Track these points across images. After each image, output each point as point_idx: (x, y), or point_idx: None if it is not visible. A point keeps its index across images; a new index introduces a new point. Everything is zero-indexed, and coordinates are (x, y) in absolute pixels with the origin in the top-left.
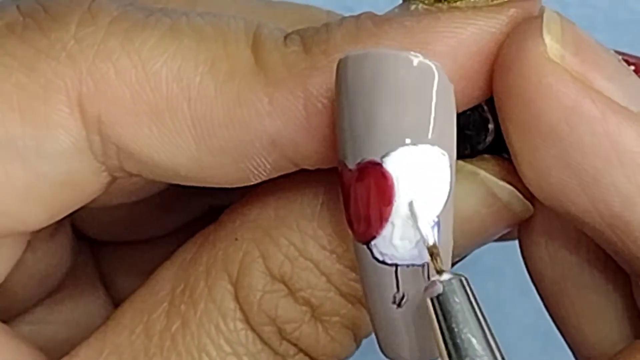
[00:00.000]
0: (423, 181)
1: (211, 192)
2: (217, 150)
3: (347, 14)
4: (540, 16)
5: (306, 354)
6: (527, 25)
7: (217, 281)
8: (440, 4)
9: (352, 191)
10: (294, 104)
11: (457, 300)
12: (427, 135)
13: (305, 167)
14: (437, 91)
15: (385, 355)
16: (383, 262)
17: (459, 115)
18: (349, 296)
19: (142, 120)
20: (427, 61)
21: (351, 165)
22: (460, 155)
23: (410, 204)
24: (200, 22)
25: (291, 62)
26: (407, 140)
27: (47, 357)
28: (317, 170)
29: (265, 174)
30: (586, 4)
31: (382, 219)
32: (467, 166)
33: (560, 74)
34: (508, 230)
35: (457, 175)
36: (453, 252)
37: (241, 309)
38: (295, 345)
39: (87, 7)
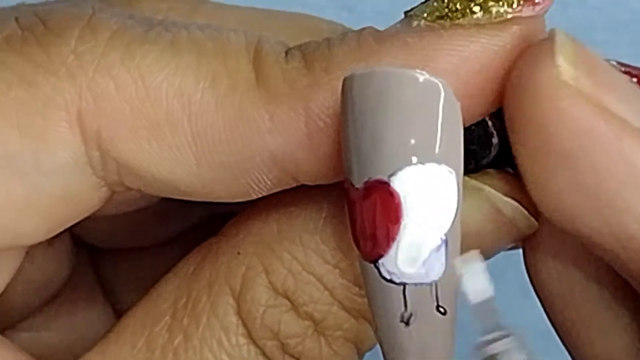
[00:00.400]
0: (430, 200)
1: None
2: (218, 165)
3: (347, 14)
4: (552, 38)
5: None
6: (539, 47)
7: (219, 295)
8: (442, 21)
9: (358, 210)
10: (295, 121)
11: None
12: (434, 154)
13: (306, 183)
14: (443, 108)
15: None
16: (390, 281)
17: (463, 131)
18: (352, 310)
19: (142, 135)
20: (433, 79)
21: (358, 183)
22: (465, 171)
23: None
24: (200, 37)
25: (292, 78)
26: (414, 159)
27: None
28: (320, 185)
29: (265, 189)
30: (586, 4)
31: (390, 238)
32: (472, 182)
33: (574, 96)
34: (512, 245)
35: (462, 191)
36: None
37: (244, 323)
38: (297, 359)
39: (87, 20)
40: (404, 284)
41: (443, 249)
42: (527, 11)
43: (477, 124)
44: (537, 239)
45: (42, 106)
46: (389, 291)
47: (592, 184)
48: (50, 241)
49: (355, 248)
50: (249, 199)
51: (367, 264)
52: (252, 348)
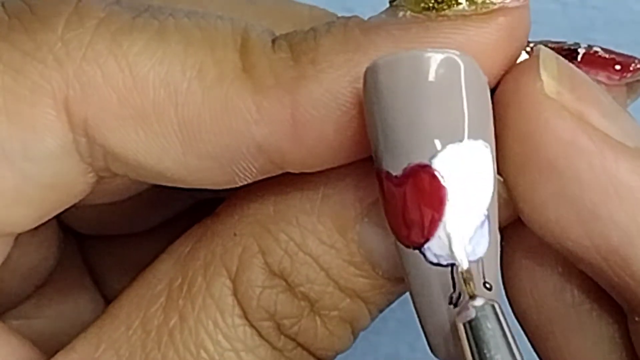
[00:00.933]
0: (471, 177)
1: None
2: (204, 154)
3: (346, 14)
4: (536, 54)
5: (304, 348)
6: (525, 62)
7: (215, 276)
8: (428, 12)
9: (400, 197)
10: (281, 113)
11: (489, 326)
12: (472, 129)
13: (292, 171)
14: (473, 84)
15: (438, 357)
16: (438, 264)
17: None
18: (347, 290)
19: (129, 124)
20: (458, 56)
21: (396, 171)
22: None
23: (444, 226)
24: (187, 24)
25: (279, 69)
26: (452, 138)
27: (37, 351)
28: None
29: (251, 177)
30: (586, 4)
31: (437, 220)
32: None
33: (557, 110)
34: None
35: None
36: None
37: (239, 304)
38: (293, 340)
39: (74, 7)
40: (452, 265)
41: (486, 224)
42: (513, 2)
43: None
44: (515, 269)
45: (29, 94)
46: (437, 274)
47: (575, 196)
48: (37, 227)
49: (394, 236)
50: (235, 186)
51: (411, 250)
52: (248, 329)
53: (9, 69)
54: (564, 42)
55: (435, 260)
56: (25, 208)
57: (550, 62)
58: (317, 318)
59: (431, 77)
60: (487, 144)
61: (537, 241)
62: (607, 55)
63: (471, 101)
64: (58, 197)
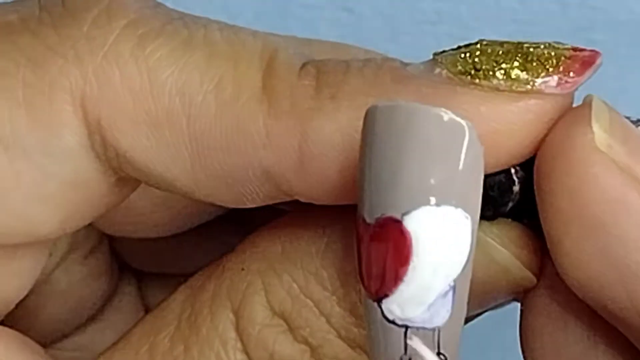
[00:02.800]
0: (443, 243)
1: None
2: (211, 171)
3: (346, 15)
4: (588, 104)
5: None
6: (576, 112)
7: (220, 309)
8: (462, 76)
9: (367, 246)
10: (289, 142)
11: None
12: (453, 196)
13: (301, 200)
14: (466, 151)
15: None
16: (393, 322)
17: (484, 176)
18: (348, 340)
19: (141, 129)
20: (458, 119)
21: (369, 219)
22: (482, 216)
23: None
24: (216, 37)
25: (298, 97)
26: (432, 200)
27: None
28: (328, 206)
29: (259, 200)
30: (586, 4)
31: (397, 278)
32: None
33: (607, 164)
34: (511, 297)
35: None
36: None
37: (241, 339)
38: None
39: (106, 5)
40: (406, 327)
41: (450, 295)
42: (550, 89)
43: (500, 171)
44: (534, 330)
45: (48, 88)
46: (390, 333)
47: (620, 256)
48: (86, 255)
49: (360, 284)
50: (245, 207)
51: (371, 302)
52: None
53: (30, 63)
54: (628, 118)
55: (390, 318)
56: (47, 207)
57: (602, 113)
58: None
59: (424, 132)
60: (468, 216)
61: (561, 308)
62: None
63: (464, 170)
64: (81, 197)
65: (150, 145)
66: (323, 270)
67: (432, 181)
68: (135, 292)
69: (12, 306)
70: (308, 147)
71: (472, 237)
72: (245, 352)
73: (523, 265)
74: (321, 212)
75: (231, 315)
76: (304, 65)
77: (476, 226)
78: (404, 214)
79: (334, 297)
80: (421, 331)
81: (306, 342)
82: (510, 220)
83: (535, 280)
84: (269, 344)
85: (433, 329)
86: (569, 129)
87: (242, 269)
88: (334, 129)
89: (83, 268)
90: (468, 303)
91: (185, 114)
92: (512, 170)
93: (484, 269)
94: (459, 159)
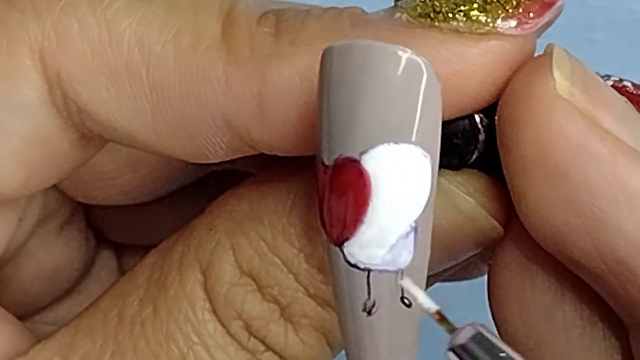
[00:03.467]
0: (402, 182)
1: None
2: (172, 122)
3: None
4: (549, 53)
5: (275, 353)
6: (537, 60)
7: (188, 269)
8: (423, 19)
9: (327, 188)
10: (249, 87)
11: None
12: (411, 135)
13: (263, 151)
14: (424, 89)
15: None
16: (355, 266)
17: (448, 122)
18: (317, 298)
19: (101, 81)
20: (416, 57)
21: (328, 161)
22: (447, 165)
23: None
24: None
25: (257, 44)
26: (389, 138)
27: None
28: (293, 163)
29: (222, 152)
30: (586, 4)
31: (357, 220)
32: None
33: (569, 111)
34: (479, 249)
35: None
36: None
37: (209, 299)
38: (263, 342)
39: None
40: (369, 270)
41: (412, 236)
42: (510, 30)
43: (464, 118)
44: (502, 294)
45: (6, 43)
46: (353, 277)
47: (583, 201)
48: (62, 226)
49: (321, 229)
50: (208, 161)
51: (333, 246)
52: (218, 325)
53: None
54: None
55: (352, 262)
56: (8, 163)
57: (563, 61)
58: (288, 324)
59: (380, 70)
60: (427, 154)
61: (527, 262)
62: (635, 91)
63: (423, 108)
64: (43, 154)
65: (110, 97)
66: (290, 228)
67: (389, 119)
68: (114, 264)
69: None
70: (267, 92)
71: (432, 177)
72: (214, 312)
73: (489, 214)
74: (287, 170)
75: (199, 276)
76: (264, 13)
77: (436, 165)
78: (361, 153)
79: (302, 255)
80: (384, 274)
81: (275, 301)
82: (476, 170)
83: (501, 230)
84: (238, 303)
85: (396, 272)
86: (529, 76)
87: (210, 229)
88: (292, 74)
89: (58, 239)
90: (436, 253)
91: (145, 64)
92: (477, 118)
93: (449, 218)
94: (418, 97)
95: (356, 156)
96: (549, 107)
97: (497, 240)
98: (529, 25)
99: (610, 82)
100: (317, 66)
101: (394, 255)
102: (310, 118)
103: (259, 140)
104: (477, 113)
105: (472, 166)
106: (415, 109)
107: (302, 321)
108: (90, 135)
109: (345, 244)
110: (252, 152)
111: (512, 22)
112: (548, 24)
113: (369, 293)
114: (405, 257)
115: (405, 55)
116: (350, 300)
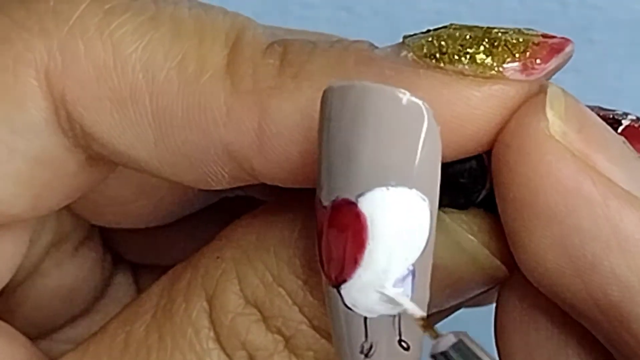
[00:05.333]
0: (399, 225)
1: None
2: (174, 149)
3: (345, 14)
4: (543, 91)
5: None
6: (531, 99)
7: (194, 297)
8: (428, 60)
9: (325, 230)
10: (249, 120)
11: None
12: (409, 178)
13: (265, 182)
14: (425, 132)
15: None
16: (351, 309)
17: (454, 163)
18: (322, 331)
19: (105, 105)
20: (416, 99)
21: (326, 202)
22: (453, 204)
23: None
24: (184, 14)
25: (261, 76)
26: (386, 181)
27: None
28: (302, 193)
29: (225, 181)
30: (586, 4)
31: (355, 262)
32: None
33: (561, 153)
34: (484, 288)
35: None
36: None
37: (214, 328)
38: None
39: None
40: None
41: (410, 279)
42: (515, 75)
43: (471, 158)
44: (510, 312)
45: (13, 63)
46: (351, 319)
47: (576, 246)
48: (77, 247)
49: (320, 270)
50: (211, 188)
51: (331, 288)
52: (222, 355)
53: None
54: (614, 111)
55: (349, 304)
56: (14, 184)
57: (557, 100)
58: (293, 356)
59: (378, 112)
60: (424, 198)
61: (531, 305)
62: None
63: (423, 151)
64: (50, 175)
65: (114, 122)
66: (296, 259)
67: (387, 162)
68: (131, 284)
69: None
70: (267, 125)
71: (430, 220)
72: (218, 340)
73: (493, 254)
74: (296, 200)
75: (205, 304)
76: (270, 44)
77: (435, 208)
78: (358, 196)
79: (307, 287)
80: (381, 317)
81: (279, 332)
82: (482, 210)
83: (505, 270)
84: (242, 332)
85: (394, 316)
86: (522, 116)
87: (217, 257)
88: (293, 109)
89: (73, 260)
90: (440, 291)
91: (149, 91)
92: (485, 157)
93: (452, 257)
94: (417, 140)
95: (353, 198)
96: (540, 149)
97: (502, 280)
98: (535, 72)
99: (627, 122)
100: (319, 103)
101: (391, 299)
102: (310, 154)
103: (259, 172)
104: (484, 152)
105: (480, 205)
106: (414, 152)
107: (306, 354)
108: (97, 156)
109: (343, 286)
110: (255, 182)
111: (518, 68)
112: (557, 69)
113: (366, 335)
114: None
115: (405, 97)
116: (348, 342)
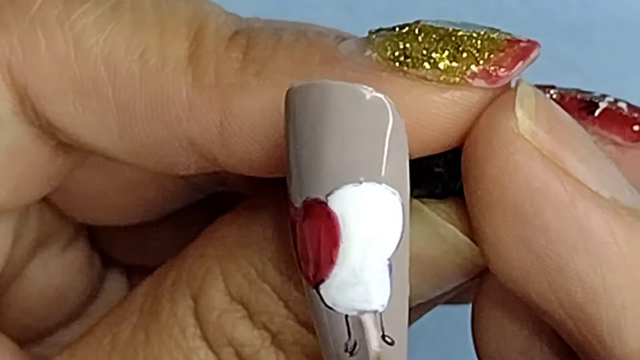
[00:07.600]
0: (371, 221)
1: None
2: (138, 141)
3: (346, 14)
4: (514, 89)
5: None
6: (500, 98)
7: (179, 296)
8: (391, 62)
9: (298, 231)
10: (211, 117)
11: None
12: (377, 173)
13: (233, 172)
14: (391, 126)
15: None
16: (332, 308)
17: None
18: (308, 326)
19: (68, 96)
20: (379, 95)
21: (297, 203)
22: (430, 194)
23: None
24: (145, 4)
25: (223, 71)
26: (353, 178)
27: None
28: (282, 188)
29: (192, 170)
30: (586, 3)
31: (330, 261)
32: (414, 202)
33: (529, 152)
34: (466, 277)
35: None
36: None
37: (200, 326)
38: None
39: None
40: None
41: (387, 274)
42: (479, 82)
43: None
44: (485, 301)
45: None
46: (332, 318)
47: (541, 246)
48: (64, 248)
49: (299, 271)
50: (179, 175)
51: (310, 288)
52: (209, 352)
53: None
54: (591, 94)
55: (329, 303)
56: None
57: (528, 99)
58: (280, 352)
59: (341, 110)
60: (395, 191)
61: (508, 294)
62: (629, 114)
63: (390, 146)
64: (23, 165)
65: (77, 113)
66: (279, 254)
67: (353, 159)
68: (124, 286)
69: None
70: (229, 123)
71: (403, 213)
72: (205, 338)
73: (473, 242)
74: (278, 196)
75: (190, 302)
76: (234, 34)
77: (407, 202)
78: (327, 195)
79: (291, 282)
80: (362, 314)
81: (265, 328)
82: (460, 198)
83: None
84: (228, 329)
85: (374, 311)
86: (491, 114)
87: (201, 255)
88: (255, 108)
89: (60, 261)
90: (422, 282)
91: (111, 83)
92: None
93: (432, 247)
94: (384, 136)
95: (323, 198)
96: (508, 147)
97: (484, 267)
98: (499, 79)
99: (604, 104)
100: (281, 102)
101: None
102: (274, 152)
103: (224, 165)
104: None
105: (458, 194)
106: (381, 147)
107: (293, 348)
108: (68, 143)
109: (322, 286)
110: (222, 170)
111: (482, 74)
112: (520, 72)
113: (349, 333)
114: (382, 295)
115: (368, 93)
116: (332, 341)
